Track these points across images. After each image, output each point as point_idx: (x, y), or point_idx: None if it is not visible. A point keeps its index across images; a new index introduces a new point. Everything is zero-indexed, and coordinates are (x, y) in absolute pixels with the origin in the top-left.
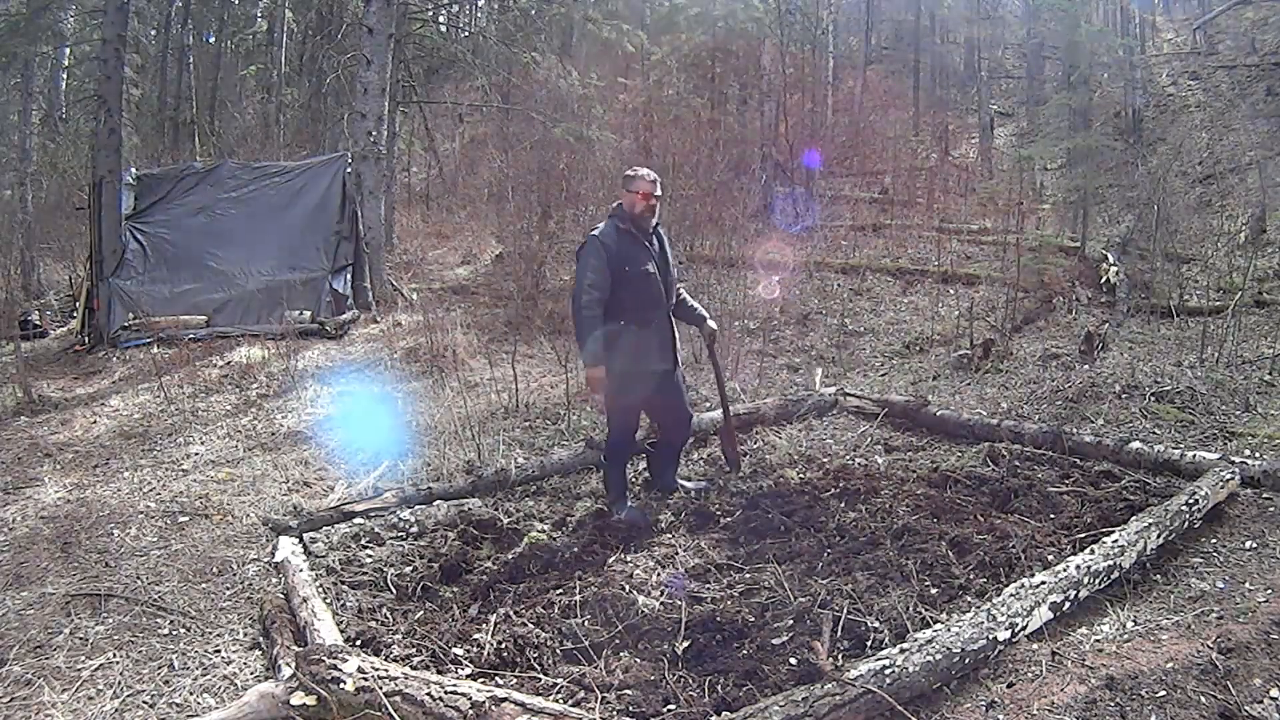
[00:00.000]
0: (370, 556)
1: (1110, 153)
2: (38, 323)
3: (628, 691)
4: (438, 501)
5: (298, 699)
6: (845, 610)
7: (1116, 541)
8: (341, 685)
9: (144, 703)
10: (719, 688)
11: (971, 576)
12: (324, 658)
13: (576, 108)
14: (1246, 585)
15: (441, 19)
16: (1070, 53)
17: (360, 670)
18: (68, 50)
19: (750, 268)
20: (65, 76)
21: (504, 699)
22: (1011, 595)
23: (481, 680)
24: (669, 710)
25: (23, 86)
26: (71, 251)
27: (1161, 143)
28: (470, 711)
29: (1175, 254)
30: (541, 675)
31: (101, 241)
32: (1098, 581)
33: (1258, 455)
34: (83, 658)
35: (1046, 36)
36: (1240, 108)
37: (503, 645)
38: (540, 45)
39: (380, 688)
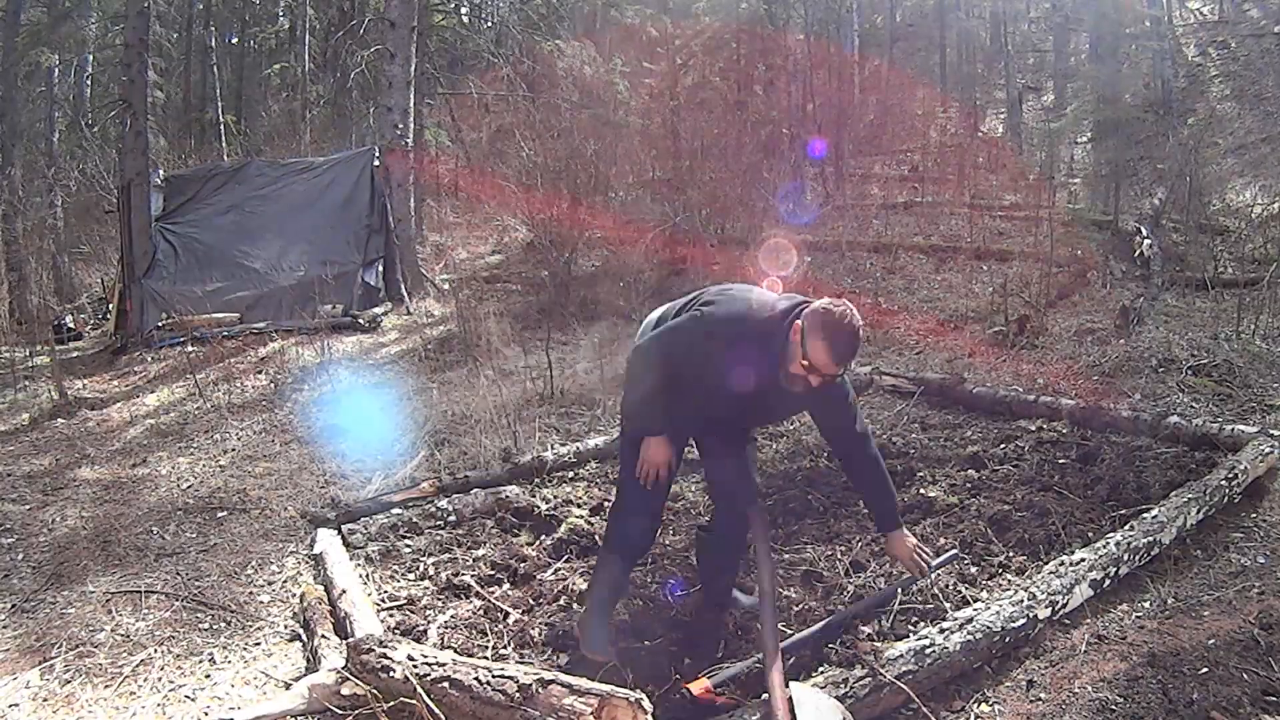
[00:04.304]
0: (409, 546)
1: (1140, 125)
2: (71, 326)
3: (674, 671)
4: (475, 490)
5: (348, 689)
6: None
7: (1156, 517)
8: (391, 674)
9: (185, 697)
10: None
11: (1011, 554)
12: (374, 647)
13: (602, 93)
14: None
15: (464, 9)
16: (1097, 24)
17: (410, 658)
18: (91, 56)
19: (785, 249)
20: (90, 82)
21: (550, 680)
22: (1051, 573)
23: (525, 664)
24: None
25: (48, 93)
26: (103, 254)
27: (1192, 114)
28: (518, 694)
29: (1208, 226)
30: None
31: (132, 243)
32: (1138, 558)
33: None
34: (124, 654)
35: (1072, 8)
36: (1270, 76)
37: (542, 630)
38: (564, 33)
39: (429, 674)
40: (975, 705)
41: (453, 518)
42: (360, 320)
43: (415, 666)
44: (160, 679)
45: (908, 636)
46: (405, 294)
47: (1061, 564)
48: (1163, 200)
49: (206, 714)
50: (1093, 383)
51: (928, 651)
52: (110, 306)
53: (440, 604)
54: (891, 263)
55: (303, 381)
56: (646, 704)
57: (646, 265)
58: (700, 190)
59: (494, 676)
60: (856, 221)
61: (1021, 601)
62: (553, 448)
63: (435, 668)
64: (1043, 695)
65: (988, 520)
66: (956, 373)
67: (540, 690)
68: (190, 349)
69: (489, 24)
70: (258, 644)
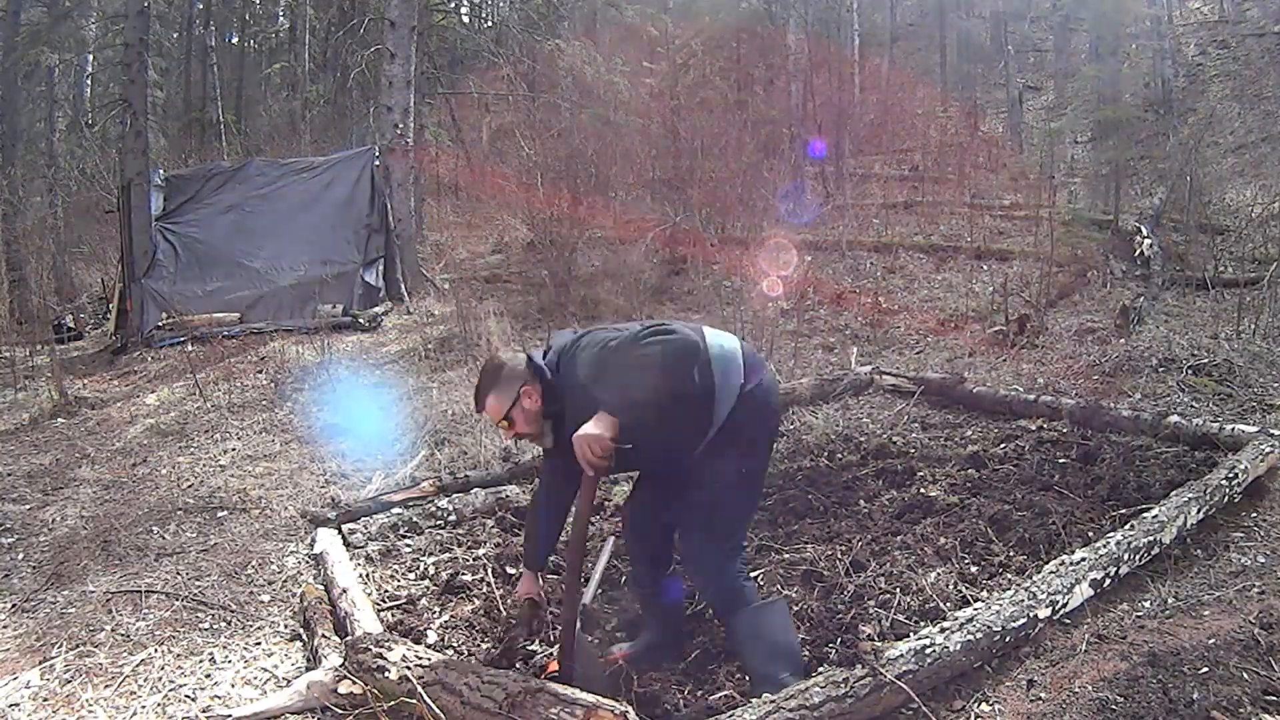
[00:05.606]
0: (409, 546)
1: (1141, 124)
2: (71, 325)
3: (669, 676)
4: (475, 489)
5: (345, 687)
6: (887, 589)
7: (1156, 517)
8: (385, 674)
9: (185, 696)
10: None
11: (1011, 554)
12: (370, 646)
13: (603, 93)
14: None
15: (464, 9)
16: (1098, 24)
17: (404, 659)
18: (90, 56)
19: (784, 249)
20: (90, 82)
21: (539, 690)
22: (1052, 572)
23: (518, 670)
24: (701, 694)
25: (48, 93)
26: (104, 254)
27: (1192, 113)
28: (505, 702)
29: (1209, 225)
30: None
31: (132, 243)
32: (1138, 557)
33: None
34: (124, 654)
35: (1073, 8)
36: (1271, 75)
37: (540, 632)
38: (564, 32)
39: (421, 677)
40: (975, 705)
41: (453, 517)
42: (360, 320)
43: (409, 668)
44: (160, 679)
45: (908, 636)
46: (405, 293)
47: (1062, 563)
48: (1163, 200)
49: (206, 712)
50: (1093, 382)
51: (928, 651)
52: (110, 306)
53: (440, 604)
54: (892, 262)
55: (303, 381)
56: (632, 716)
57: (647, 265)
58: (700, 190)
59: (484, 682)
60: (856, 221)
61: (1022, 601)
62: None
63: (428, 670)
64: (1043, 695)
65: (988, 520)
66: (957, 372)
67: (529, 699)
68: (190, 349)
69: (489, 23)
70: (258, 644)
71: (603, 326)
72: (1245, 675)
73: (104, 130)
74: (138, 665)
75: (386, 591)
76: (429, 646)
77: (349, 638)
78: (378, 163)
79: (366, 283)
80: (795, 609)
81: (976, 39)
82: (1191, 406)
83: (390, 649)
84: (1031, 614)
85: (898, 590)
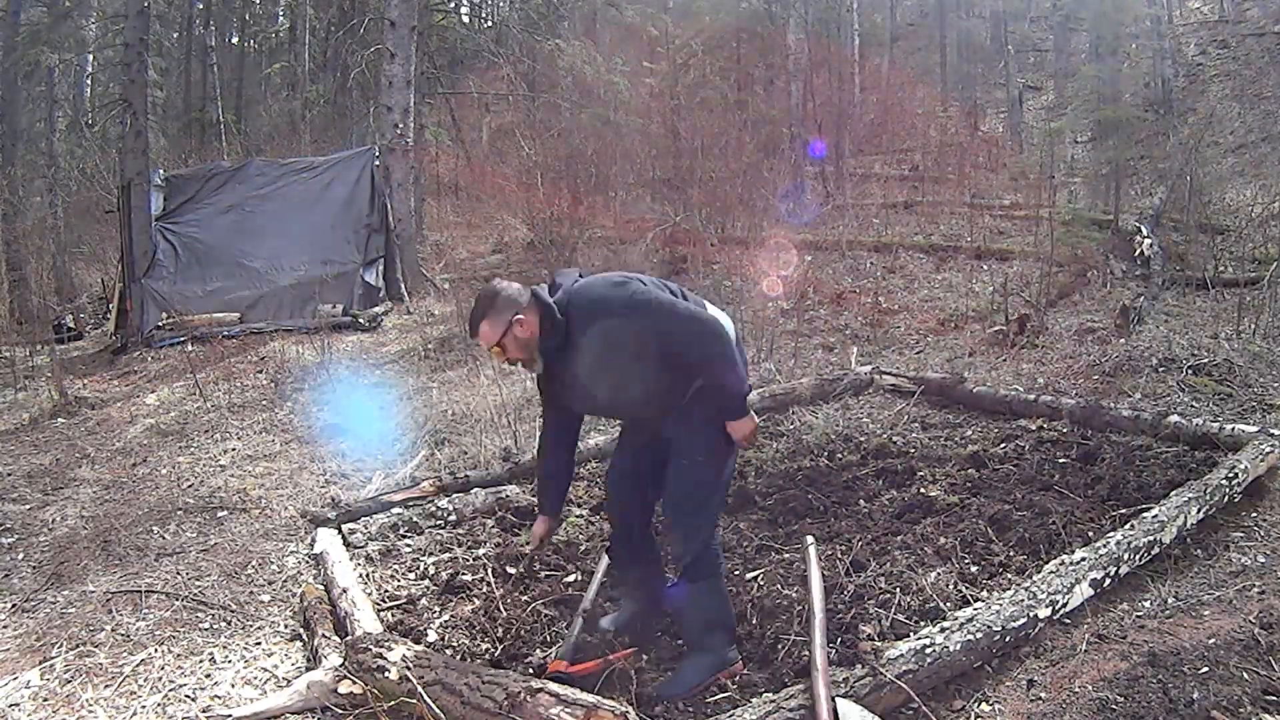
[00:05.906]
0: (409, 546)
1: (1141, 124)
2: (71, 325)
3: (669, 676)
4: (475, 489)
5: (344, 687)
6: (887, 589)
7: (1156, 517)
8: (385, 674)
9: (185, 696)
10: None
11: (1011, 554)
12: (370, 646)
13: (603, 93)
14: None
15: (464, 9)
16: (1098, 23)
17: (404, 659)
18: (90, 56)
19: (784, 249)
20: (90, 82)
21: (539, 689)
22: (1052, 572)
23: (518, 670)
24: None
25: (48, 93)
26: (104, 254)
27: (1192, 113)
28: (506, 702)
29: (1209, 225)
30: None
31: (132, 243)
32: (1138, 557)
33: None
34: (125, 654)
35: (1073, 7)
36: (1271, 75)
37: (540, 633)
38: (564, 32)
39: (421, 677)
40: (975, 705)
41: (453, 517)
42: (360, 320)
43: (409, 668)
44: (160, 679)
45: (908, 636)
46: (405, 293)
47: (1062, 563)
48: (1163, 200)
49: (206, 712)
50: (1093, 382)
51: (928, 651)
52: (110, 306)
53: (440, 604)
54: (892, 262)
55: (303, 381)
56: (633, 716)
57: (647, 265)
58: (700, 189)
59: (484, 682)
60: (856, 221)
61: (1022, 601)
62: None
63: (428, 670)
64: (1043, 695)
65: (988, 520)
66: (957, 372)
67: (529, 699)
68: (190, 349)
69: (489, 23)
70: (258, 643)
71: (604, 276)
72: (1245, 675)
73: (104, 130)
74: (138, 665)
75: (386, 591)
76: (429, 646)
77: (349, 638)
78: (378, 163)
79: (366, 283)
80: (795, 609)
81: (976, 39)
82: (1191, 406)
83: (390, 649)
84: (1031, 614)
85: (898, 590)
